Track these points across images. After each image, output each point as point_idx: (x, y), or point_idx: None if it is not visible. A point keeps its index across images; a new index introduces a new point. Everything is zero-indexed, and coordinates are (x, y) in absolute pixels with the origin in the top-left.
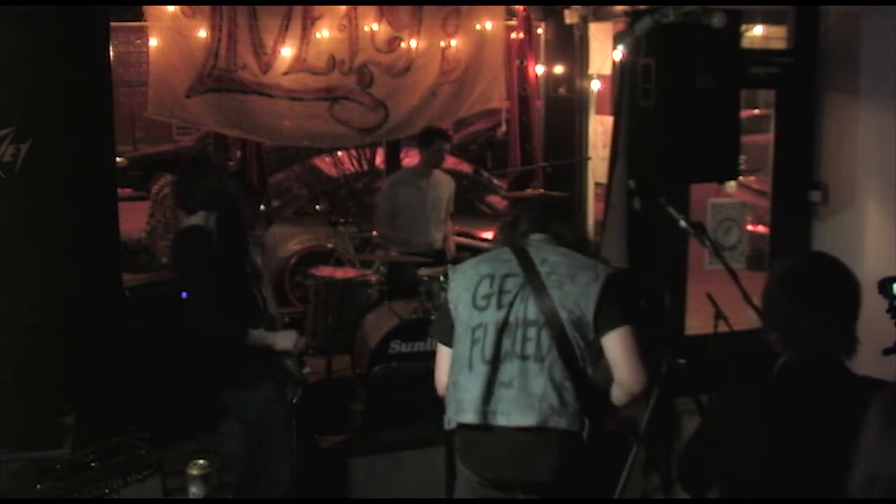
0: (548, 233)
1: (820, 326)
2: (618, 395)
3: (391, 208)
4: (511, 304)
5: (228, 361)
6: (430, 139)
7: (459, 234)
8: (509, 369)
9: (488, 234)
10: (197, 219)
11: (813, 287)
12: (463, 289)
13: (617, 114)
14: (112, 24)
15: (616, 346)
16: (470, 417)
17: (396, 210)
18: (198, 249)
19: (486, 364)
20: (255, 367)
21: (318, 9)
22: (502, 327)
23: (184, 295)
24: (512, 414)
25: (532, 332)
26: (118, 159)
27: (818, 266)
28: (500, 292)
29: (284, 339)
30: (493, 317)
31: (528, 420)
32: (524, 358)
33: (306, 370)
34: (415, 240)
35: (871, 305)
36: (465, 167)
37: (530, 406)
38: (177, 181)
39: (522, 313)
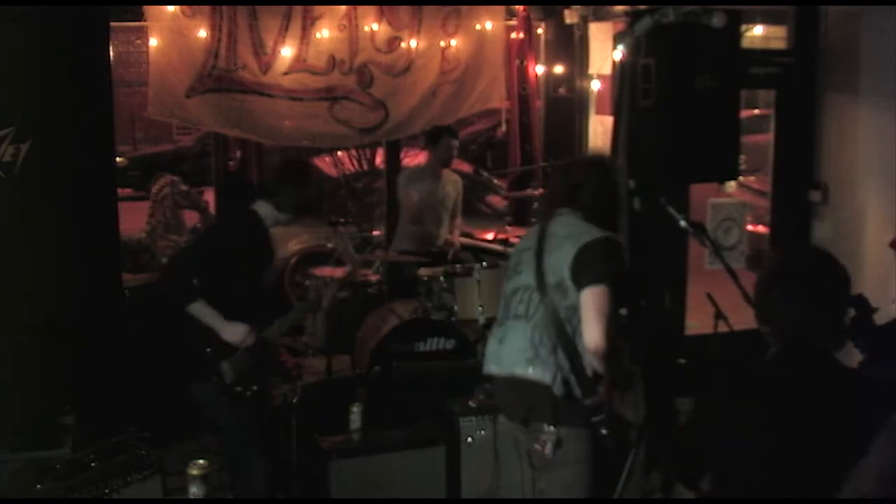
0: (572, 206)
1: (809, 319)
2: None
3: (410, 198)
4: (520, 273)
5: (186, 350)
6: (436, 137)
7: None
8: (509, 328)
9: (488, 234)
10: (261, 205)
11: (802, 280)
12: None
13: (617, 114)
14: (112, 24)
15: (583, 303)
16: (484, 368)
17: (407, 206)
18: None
19: (499, 326)
20: (199, 361)
21: (318, 9)
22: (512, 293)
23: None
24: (502, 365)
25: (526, 295)
26: (118, 159)
27: (808, 259)
28: (518, 264)
29: (232, 330)
30: (509, 285)
31: (504, 370)
32: (517, 317)
33: (254, 388)
34: (424, 235)
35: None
36: (465, 167)
37: (511, 358)
38: (277, 181)
39: (524, 280)
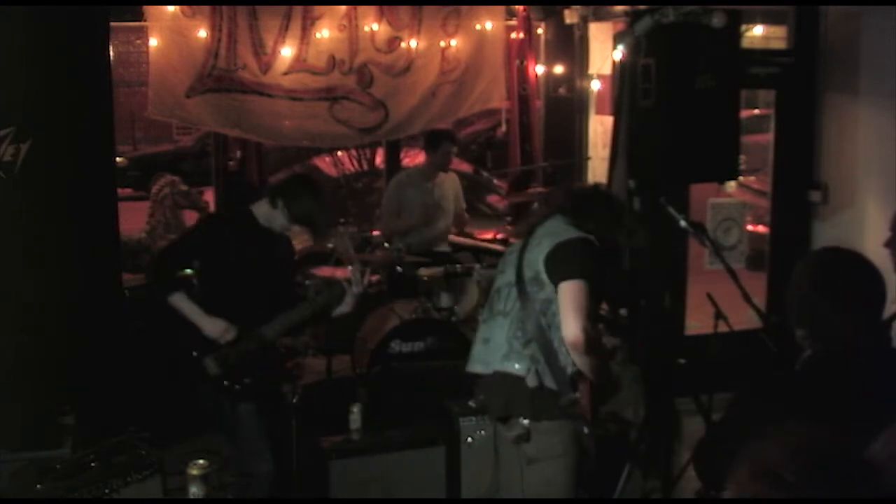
0: (565, 216)
1: (850, 321)
2: None
3: (396, 209)
4: (504, 273)
5: (178, 349)
6: (436, 142)
7: (459, 234)
8: (493, 326)
9: (488, 234)
10: (260, 206)
11: (841, 282)
12: None
13: (617, 114)
14: (112, 24)
15: (560, 297)
16: (468, 367)
17: (402, 210)
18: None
19: (484, 323)
20: (188, 360)
21: (318, 9)
22: (496, 291)
23: None
24: (485, 364)
25: (506, 291)
26: (118, 159)
27: (845, 261)
28: (503, 264)
29: (211, 325)
30: (494, 285)
31: (481, 368)
32: (498, 313)
33: (245, 382)
34: (420, 240)
35: None
36: (466, 167)
37: (490, 355)
38: (281, 186)
39: (507, 277)
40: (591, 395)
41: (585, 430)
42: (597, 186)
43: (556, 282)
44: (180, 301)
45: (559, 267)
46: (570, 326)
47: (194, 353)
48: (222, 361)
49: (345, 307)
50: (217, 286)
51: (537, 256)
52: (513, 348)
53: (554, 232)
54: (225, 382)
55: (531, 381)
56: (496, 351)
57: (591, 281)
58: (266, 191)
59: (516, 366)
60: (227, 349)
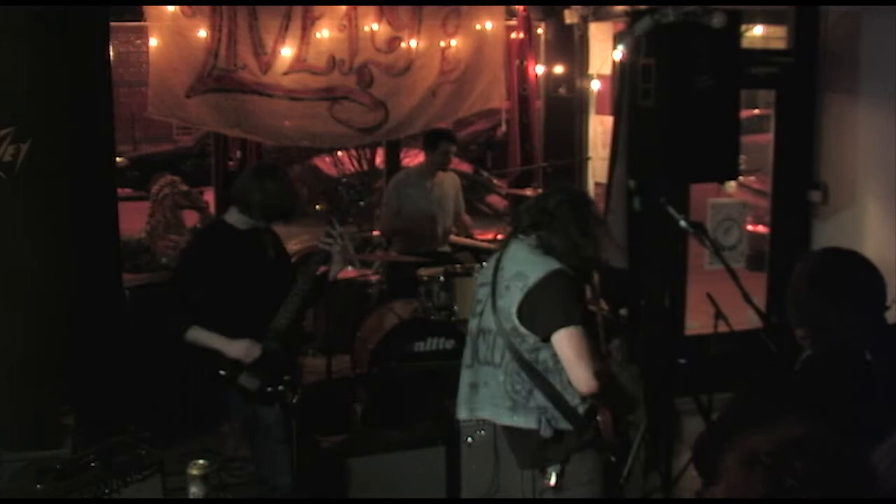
0: (534, 234)
1: (849, 321)
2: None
3: (396, 208)
4: (481, 314)
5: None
6: (435, 142)
7: (459, 234)
8: (481, 374)
9: (488, 235)
10: (231, 214)
11: (842, 282)
12: None
13: (617, 114)
14: (112, 24)
15: (558, 352)
16: (457, 413)
17: (401, 211)
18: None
19: (468, 368)
20: (222, 370)
21: (318, 9)
22: (478, 334)
23: None
24: (476, 411)
25: (491, 338)
26: (118, 159)
27: (846, 261)
28: (478, 302)
29: (234, 347)
30: (473, 323)
31: (467, 414)
32: (487, 363)
33: (297, 390)
34: (419, 240)
35: None
36: (465, 167)
37: (491, 408)
38: (242, 186)
39: (486, 322)
40: (613, 422)
41: (612, 458)
42: (547, 195)
43: (543, 337)
44: (198, 334)
45: (541, 320)
46: (581, 377)
47: (222, 373)
48: (257, 373)
49: (337, 265)
50: (224, 305)
51: (509, 307)
52: (517, 402)
53: (518, 273)
54: (269, 390)
55: (546, 432)
56: (495, 403)
57: (580, 320)
58: (231, 198)
59: (525, 419)
60: (257, 361)
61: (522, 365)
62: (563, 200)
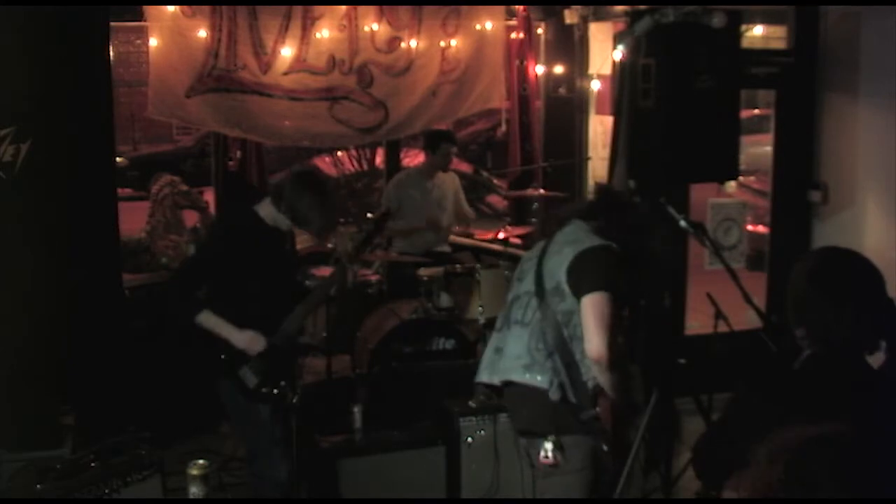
0: (586, 221)
1: (850, 321)
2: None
3: (396, 209)
4: (522, 281)
5: (202, 354)
6: (436, 143)
7: (459, 234)
8: (508, 336)
9: (488, 235)
10: (264, 206)
11: (841, 282)
12: None
13: (617, 114)
14: (112, 24)
15: (583, 311)
16: (477, 376)
17: (401, 211)
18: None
19: (497, 332)
20: (219, 359)
21: (318, 9)
22: (513, 300)
23: None
24: (496, 373)
25: (525, 300)
26: (118, 159)
27: (845, 261)
28: (521, 272)
29: (241, 337)
30: (511, 294)
31: (500, 377)
32: (516, 323)
33: (282, 386)
34: (419, 240)
35: None
36: (465, 167)
37: (509, 365)
38: (285, 184)
39: (525, 286)
40: (612, 414)
41: (605, 447)
42: (619, 192)
43: (579, 294)
44: (207, 318)
45: (582, 278)
46: (594, 341)
47: (222, 357)
48: (258, 370)
49: (349, 282)
50: (236, 294)
51: (558, 266)
52: (535, 360)
53: (575, 240)
54: (264, 390)
55: (554, 394)
56: (513, 361)
57: (616, 292)
58: (270, 191)
59: (539, 378)
60: (260, 357)
61: (551, 325)
62: (623, 199)
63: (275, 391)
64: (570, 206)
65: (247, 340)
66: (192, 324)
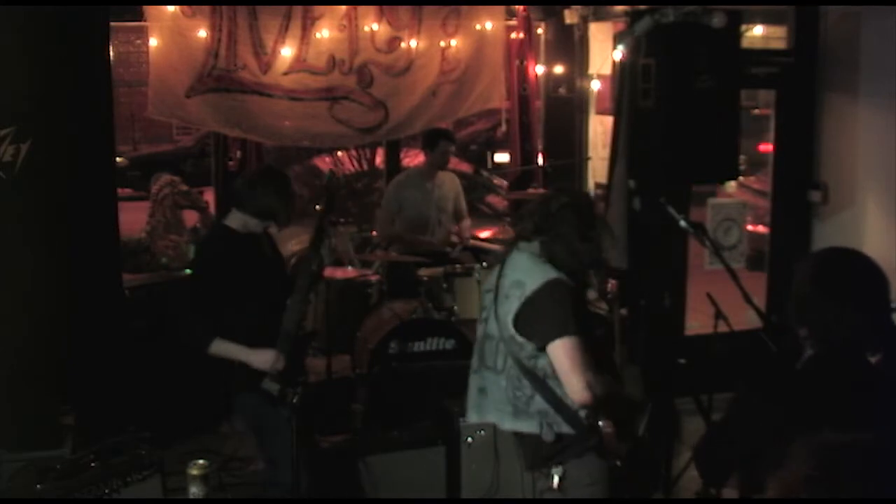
0: (536, 240)
1: (852, 321)
2: None
3: (394, 211)
4: (486, 320)
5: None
6: (434, 141)
7: (458, 237)
8: (487, 380)
9: (488, 234)
10: (233, 217)
11: (845, 282)
12: None
13: (617, 114)
14: (112, 24)
15: (553, 361)
16: (467, 416)
17: (401, 212)
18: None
19: (476, 372)
20: (241, 375)
21: (318, 9)
22: (484, 339)
23: None
24: (484, 415)
25: (494, 345)
26: (118, 159)
27: (849, 261)
28: (484, 308)
29: (260, 359)
30: (480, 329)
31: (477, 417)
32: (490, 369)
33: (297, 391)
34: (419, 241)
35: None
36: (465, 167)
37: (495, 413)
38: (242, 187)
39: (490, 328)
40: (615, 428)
41: (618, 463)
42: (558, 195)
43: (539, 344)
44: (221, 346)
45: (536, 329)
46: (574, 388)
47: (265, 388)
48: (276, 376)
49: (326, 259)
50: (234, 311)
51: (507, 316)
52: (518, 408)
53: (518, 281)
54: (289, 390)
55: (547, 436)
56: (498, 408)
57: (576, 330)
58: (231, 200)
59: (527, 424)
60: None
61: (523, 371)
62: (564, 205)
63: (298, 389)
64: (519, 224)
65: (268, 362)
66: (205, 355)
